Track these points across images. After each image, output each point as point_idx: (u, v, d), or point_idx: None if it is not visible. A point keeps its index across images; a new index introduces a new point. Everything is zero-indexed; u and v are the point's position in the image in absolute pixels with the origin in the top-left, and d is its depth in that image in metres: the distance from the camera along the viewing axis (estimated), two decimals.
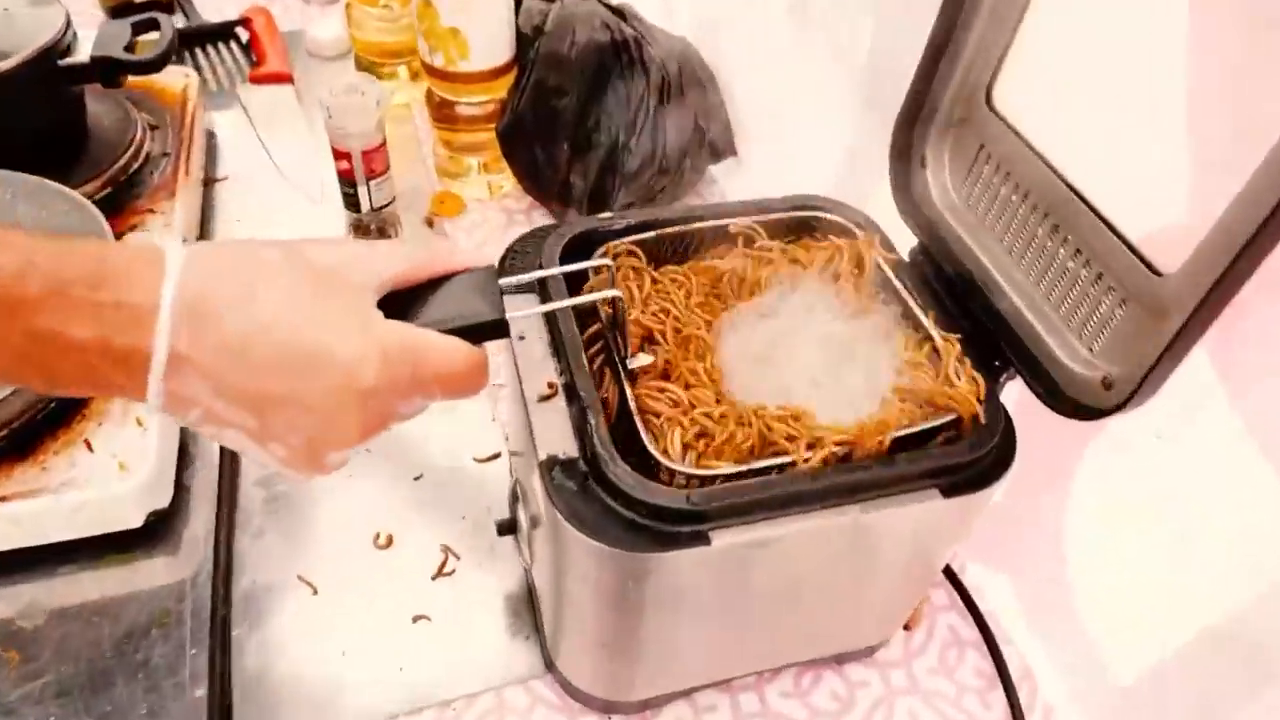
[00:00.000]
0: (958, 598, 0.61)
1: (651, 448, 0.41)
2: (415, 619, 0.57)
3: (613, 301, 0.44)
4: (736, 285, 0.51)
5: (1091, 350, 0.45)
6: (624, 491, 0.40)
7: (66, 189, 0.64)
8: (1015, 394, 0.48)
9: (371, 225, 0.78)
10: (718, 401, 0.44)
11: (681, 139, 0.84)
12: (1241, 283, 0.37)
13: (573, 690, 0.54)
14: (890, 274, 0.50)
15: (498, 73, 0.79)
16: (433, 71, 0.78)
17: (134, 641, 0.55)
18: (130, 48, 0.71)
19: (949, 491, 0.43)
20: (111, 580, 0.58)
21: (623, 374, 0.44)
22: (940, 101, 0.53)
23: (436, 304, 0.40)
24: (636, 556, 0.39)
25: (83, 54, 0.71)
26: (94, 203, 0.72)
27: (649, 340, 0.48)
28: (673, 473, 0.40)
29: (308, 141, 0.91)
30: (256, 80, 0.97)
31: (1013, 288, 0.50)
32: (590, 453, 0.41)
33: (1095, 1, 0.46)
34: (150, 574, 0.59)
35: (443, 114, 0.82)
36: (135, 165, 0.77)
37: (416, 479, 0.65)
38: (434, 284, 0.41)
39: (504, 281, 0.41)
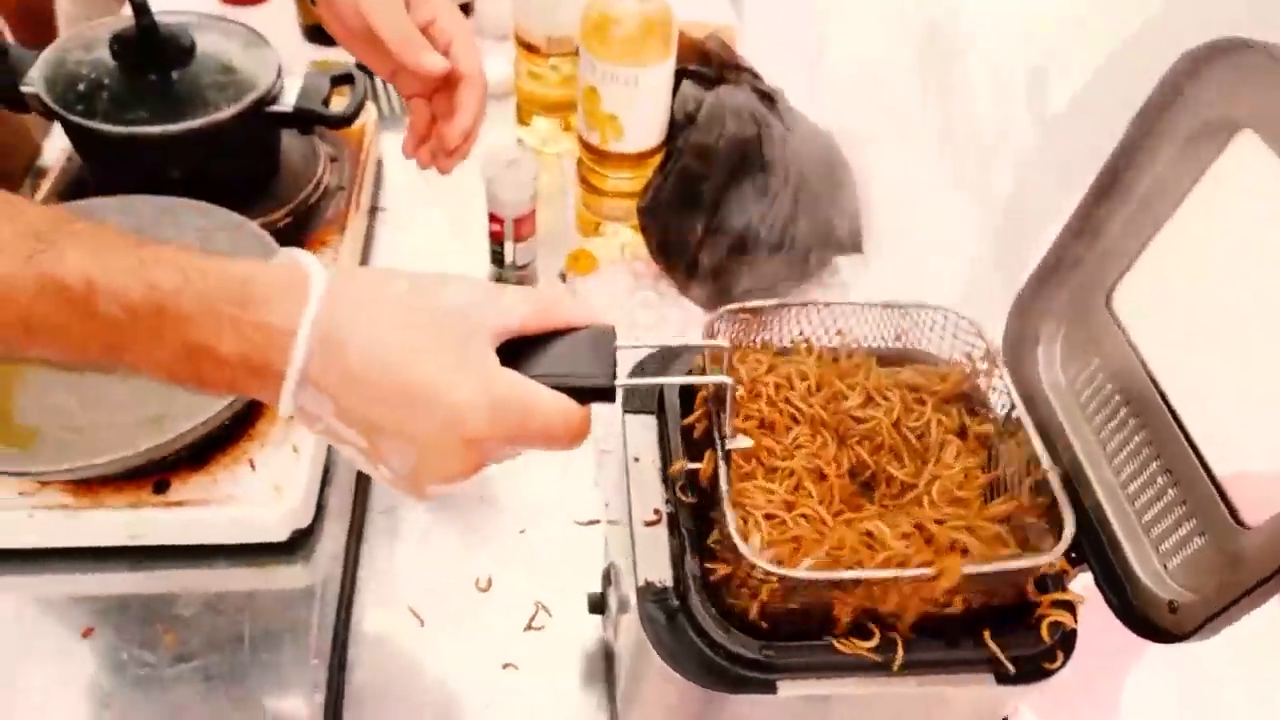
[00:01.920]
0: None
1: (735, 534, 0.43)
2: (505, 666, 0.64)
3: (718, 386, 0.47)
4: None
5: (1165, 568, 0.48)
6: (707, 633, 0.45)
7: (261, 231, 0.73)
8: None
9: (511, 279, 0.85)
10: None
11: (810, 233, 0.88)
12: None
13: None
14: (1020, 407, 0.50)
15: (646, 155, 0.84)
16: (587, 147, 0.84)
17: (269, 642, 0.64)
18: (326, 100, 0.80)
19: (1003, 680, 0.46)
20: (253, 579, 0.67)
21: (719, 452, 0.47)
22: (1062, 290, 0.55)
23: (551, 357, 0.41)
24: (709, 693, 0.45)
25: (286, 100, 0.79)
26: (275, 231, 0.82)
27: (765, 425, 0.51)
28: (751, 567, 0.42)
29: (463, 175, 0.98)
30: None
31: (1100, 484, 0.52)
32: (683, 588, 0.47)
33: (1238, 234, 0.47)
34: (286, 578, 0.67)
35: (589, 185, 0.88)
36: (315, 197, 0.86)
37: (521, 532, 0.72)
38: (552, 335, 0.42)
39: (621, 381, 0.42)
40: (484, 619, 0.66)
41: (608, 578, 0.61)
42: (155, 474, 0.64)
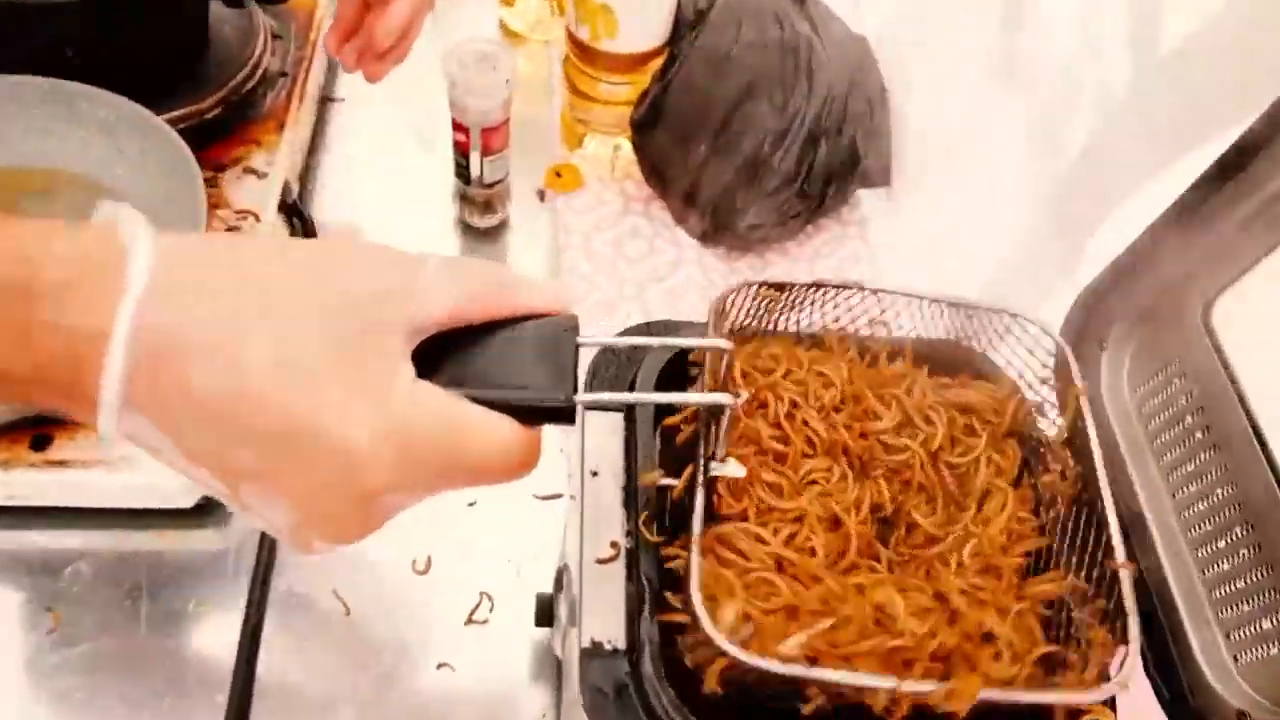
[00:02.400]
0: None
1: (696, 594, 0.34)
2: (439, 666, 0.56)
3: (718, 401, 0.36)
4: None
5: (1236, 661, 0.39)
6: (660, 717, 0.36)
7: (165, 126, 0.60)
8: None
9: (478, 198, 0.73)
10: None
11: (832, 163, 0.75)
12: None
13: None
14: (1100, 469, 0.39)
15: (645, 57, 0.71)
16: (575, 43, 0.70)
17: (171, 627, 0.55)
18: None
19: None
20: (156, 541, 0.58)
21: (700, 476, 0.38)
22: (1147, 289, 0.44)
23: (487, 362, 0.31)
24: None
25: None
26: (201, 124, 0.69)
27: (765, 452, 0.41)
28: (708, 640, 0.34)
29: (434, 65, 0.84)
30: None
31: (1162, 536, 0.43)
32: (636, 655, 0.37)
33: None
34: (194, 542, 0.59)
35: (576, 89, 0.74)
36: (251, 83, 0.72)
37: (470, 505, 0.62)
38: (493, 328, 0.31)
39: (583, 397, 0.32)
40: (419, 609, 0.58)
41: (559, 581, 0.52)
42: (33, 427, 0.54)
